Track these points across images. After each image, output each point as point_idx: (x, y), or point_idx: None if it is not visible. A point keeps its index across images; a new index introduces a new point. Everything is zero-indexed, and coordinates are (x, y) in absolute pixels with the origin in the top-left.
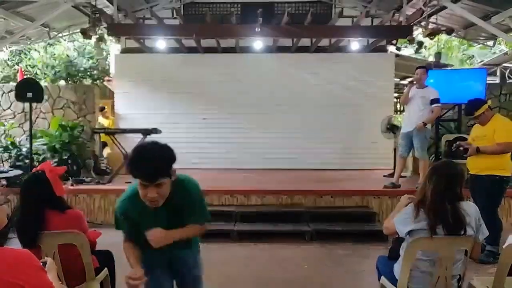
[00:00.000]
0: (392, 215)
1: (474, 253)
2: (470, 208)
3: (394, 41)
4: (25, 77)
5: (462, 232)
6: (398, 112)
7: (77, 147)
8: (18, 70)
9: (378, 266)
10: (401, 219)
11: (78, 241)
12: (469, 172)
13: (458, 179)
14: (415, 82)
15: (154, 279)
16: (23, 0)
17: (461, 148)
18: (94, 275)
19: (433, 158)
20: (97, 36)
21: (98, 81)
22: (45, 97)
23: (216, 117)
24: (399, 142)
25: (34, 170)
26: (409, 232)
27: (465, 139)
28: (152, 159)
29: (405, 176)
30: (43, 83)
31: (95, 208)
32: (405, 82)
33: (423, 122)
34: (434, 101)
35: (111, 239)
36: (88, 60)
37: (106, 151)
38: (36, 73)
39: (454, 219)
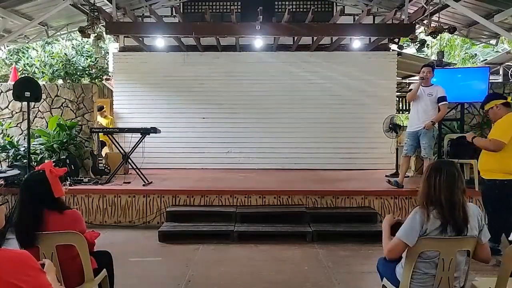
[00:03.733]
0: (384, 241)
1: (483, 255)
2: (472, 209)
3: (396, 40)
4: (21, 76)
5: (466, 232)
6: (401, 111)
7: (75, 146)
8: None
9: (379, 268)
10: (409, 230)
11: (77, 242)
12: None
13: (462, 177)
14: (423, 80)
15: None
16: None
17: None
18: (93, 276)
19: (436, 158)
20: (96, 34)
21: (96, 80)
22: (43, 96)
23: (215, 116)
24: (404, 141)
25: (36, 169)
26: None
27: None
28: None
29: (407, 176)
30: (41, 82)
31: (93, 209)
32: (413, 80)
33: (431, 121)
34: (441, 99)
35: (110, 240)
36: (87, 59)
37: (105, 151)
38: (34, 72)
39: (462, 217)
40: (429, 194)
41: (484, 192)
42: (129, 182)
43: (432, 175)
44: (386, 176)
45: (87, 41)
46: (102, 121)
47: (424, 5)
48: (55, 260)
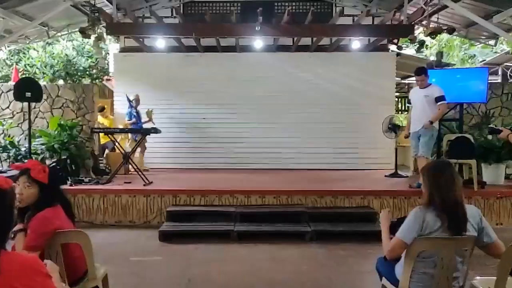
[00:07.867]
0: (384, 241)
1: (497, 253)
2: (470, 210)
3: (395, 40)
4: (22, 76)
5: (465, 232)
6: (400, 112)
7: (76, 146)
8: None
9: (378, 267)
10: (408, 230)
11: (81, 240)
12: None
13: (459, 176)
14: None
15: None
16: None
17: (494, 135)
18: (96, 274)
19: (435, 157)
20: (96, 35)
21: (97, 80)
22: (44, 96)
23: (216, 116)
24: (410, 143)
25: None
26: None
27: (468, 138)
28: None
29: (406, 176)
30: (42, 82)
31: (94, 209)
32: (412, 80)
33: (429, 121)
34: (439, 98)
35: (111, 240)
36: (87, 59)
37: (106, 151)
38: (35, 73)
39: (462, 216)
40: (431, 194)
41: None
42: (129, 182)
43: (432, 176)
44: (385, 176)
45: (87, 42)
46: (103, 121)
47: (423, 6)
48: (59, 258)
